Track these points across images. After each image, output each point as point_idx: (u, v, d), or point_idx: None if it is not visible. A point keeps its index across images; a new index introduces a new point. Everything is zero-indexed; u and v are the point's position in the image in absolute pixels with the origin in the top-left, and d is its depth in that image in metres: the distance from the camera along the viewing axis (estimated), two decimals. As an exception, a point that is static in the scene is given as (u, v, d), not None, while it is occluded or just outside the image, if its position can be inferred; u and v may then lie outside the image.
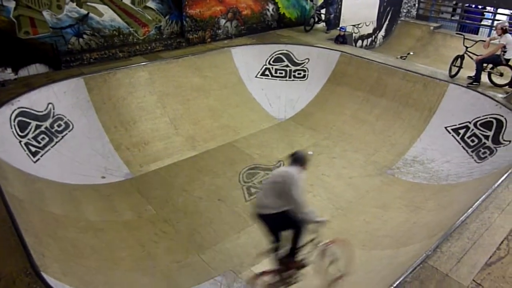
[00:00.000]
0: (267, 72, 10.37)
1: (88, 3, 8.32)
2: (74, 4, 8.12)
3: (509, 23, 11.96)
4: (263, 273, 4.58)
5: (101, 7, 8.55)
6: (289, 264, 4.53)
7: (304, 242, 4.46)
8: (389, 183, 7.22)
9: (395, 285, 3.70)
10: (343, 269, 4.53)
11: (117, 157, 7.39)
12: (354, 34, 14.37)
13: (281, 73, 10.39)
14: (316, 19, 12.46)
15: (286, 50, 10.52)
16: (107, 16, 8.72)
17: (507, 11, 16.82)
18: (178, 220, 6.16)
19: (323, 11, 12.69)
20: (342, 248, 4.59)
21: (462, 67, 8.66)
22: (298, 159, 4.20)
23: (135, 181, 7.04)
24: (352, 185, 7.18)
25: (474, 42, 8.82)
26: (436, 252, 4.11)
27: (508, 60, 8.08)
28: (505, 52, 7.98)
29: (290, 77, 10.37)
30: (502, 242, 4.22)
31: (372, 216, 6.32)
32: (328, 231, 5.91)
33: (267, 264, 5.27)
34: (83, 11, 8.32)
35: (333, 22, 12.69)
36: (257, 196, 4.49)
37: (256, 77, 10.23)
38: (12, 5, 7.31)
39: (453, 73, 8.66)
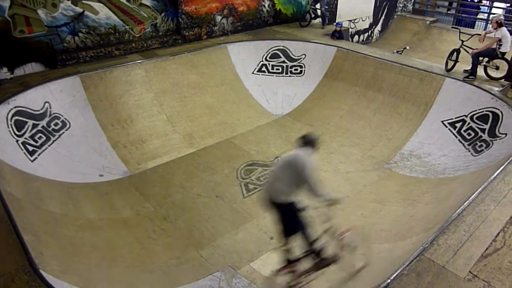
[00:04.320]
0: (263, 68, 10.36)
1: (83, 1, 8.30)
2: (69, 2, 8.10)
3: (504, 16, 11.99)
4: (282, 270, 4.38)
5: (96, 5, 8.52)
6: (315, 264, 4.37)
7: (319, 234, 4.36)
8: (386, 178, 7.24)
9: (392, 277, 3.73)
10: (364, 258, 4.45)
11: (115, 155, 7.39)
12: (350, 29, 14.36)
13: (278, 69, 10.38)
14: (312, 15, 12.45)
15: (283, 46, 10.51)
16: (103, 14, 8.69)
17: (503, 5, 16.87)
18: (176, 217, 6.17)
19: (318, 6, 12.67)
20: (359, 235, 4.48)
21: (458, 61, 8.67)
22: (309, 142, 4.25)
23: (133, 179, 7.04)
24: (349, 180, 7.21)
25: (470, 36, 8.82)
26: (433, 244, 4.14)
27: (503, 54, 8.10)
28: (500, 45, 8.01)
29: (286, 73, 10.37)
30: (498, 234, 4.26)
31: (370, 211, 6.34)
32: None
33: (266, 259, 5.32)
34: (78, 9, 8.29)
35: (328, 17, 12.67)
36: (269, 181, 4.40)
37: (252, 73, 10.22)
38: (7, 4, 7.28)
39: (449, 67, 8.68)
